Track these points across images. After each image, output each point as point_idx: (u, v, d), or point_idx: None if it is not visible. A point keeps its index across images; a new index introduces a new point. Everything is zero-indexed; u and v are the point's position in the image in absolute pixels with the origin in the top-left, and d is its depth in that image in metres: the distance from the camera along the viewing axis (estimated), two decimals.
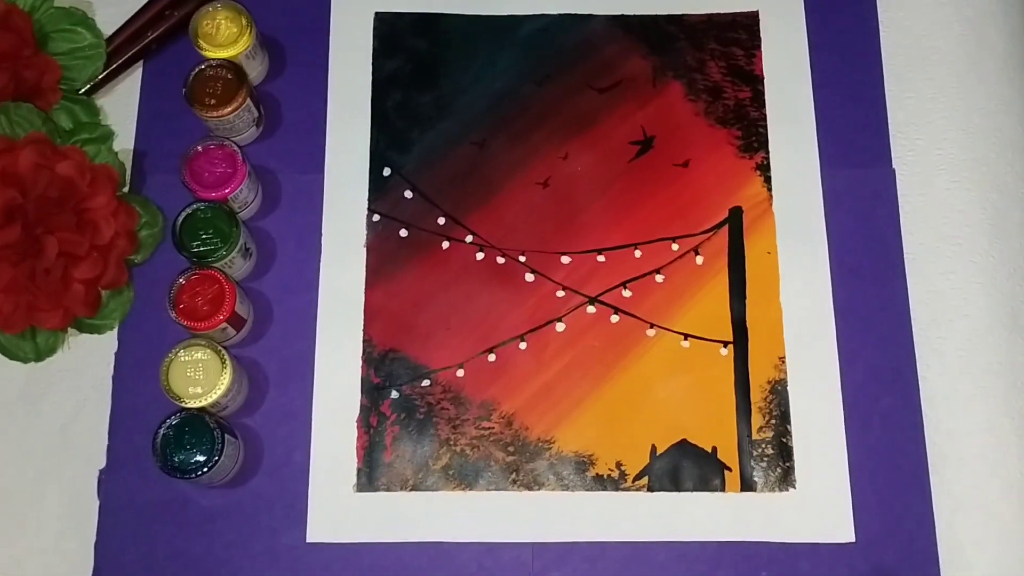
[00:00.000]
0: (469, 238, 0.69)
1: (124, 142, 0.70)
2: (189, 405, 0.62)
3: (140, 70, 0.72)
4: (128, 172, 0.70)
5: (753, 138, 0.71)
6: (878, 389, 0.66)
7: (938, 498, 0.64)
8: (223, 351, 0.63)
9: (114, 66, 0.71)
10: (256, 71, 0.71)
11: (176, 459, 0.61)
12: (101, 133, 0.69)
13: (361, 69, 0.72)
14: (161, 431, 0.61)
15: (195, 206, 0.65)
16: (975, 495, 0.65)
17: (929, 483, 0.64)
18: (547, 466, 0.65)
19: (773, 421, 0.66)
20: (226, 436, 0.61)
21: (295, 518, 0.64)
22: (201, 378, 0.62)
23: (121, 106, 0.71)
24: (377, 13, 0.73)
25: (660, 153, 0.71)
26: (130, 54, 0.72)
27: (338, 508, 0.64)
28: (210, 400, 0.62)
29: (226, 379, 0.62)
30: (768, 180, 0.70)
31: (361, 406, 0.66)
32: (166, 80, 0.72)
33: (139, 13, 0.72)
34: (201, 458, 0.60)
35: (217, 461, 0.60)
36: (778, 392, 0.66)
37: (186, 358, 0.62)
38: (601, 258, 0.69)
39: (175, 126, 0.70)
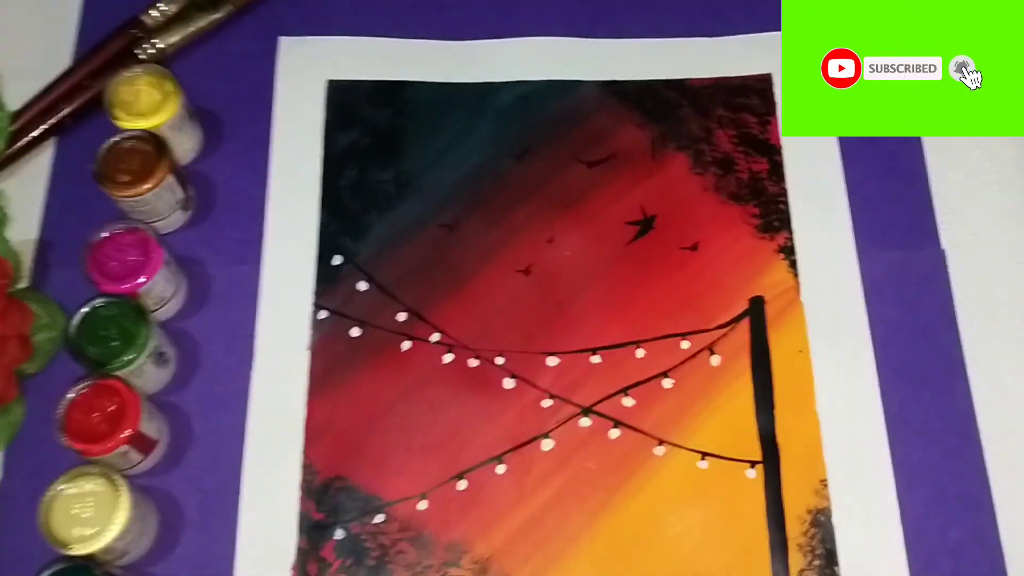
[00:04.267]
0: (435, 337, 0.60)
1: (27, 231, 0.62)
2: (75, 552, 0.50)
3: (52, 149, 0.64)
4: (28, 265, 0.61)
5: (773, 216, 0.63)
6: (944, 519, 0.56)
7: None
8: (119, 480, 0.51)
9: (21, 144, 0.63)
10: (185, 146, 0.63)
11: None
12: None
13: (310, 144, 0.65)
14: None
15: (96, 302, 0.56)
16: None
17: None
18: None
19: (817, 562, 0.55)
20: None
21: None
22: (91, 517, 0.51)
23: (27, 189, 0.63)
24: (330, 81, 0.66)
25: (663, 235, 0.63)
26: (41, 130, 0.63)
27: None
28: (101, 544, 0.50)
29: (121, 516, 0.51)
30: (794, 264, 0.62)
31: (298, 550, 0.55)
32: (81, 160, 0.63)
33: (53, 84, 0.64)
34: None
35: None
36: (821, 524, 0.56)
37: (73, 491, 0.51)
38: (596, 359, 0.60)
39: (90, 213, 0.61)
